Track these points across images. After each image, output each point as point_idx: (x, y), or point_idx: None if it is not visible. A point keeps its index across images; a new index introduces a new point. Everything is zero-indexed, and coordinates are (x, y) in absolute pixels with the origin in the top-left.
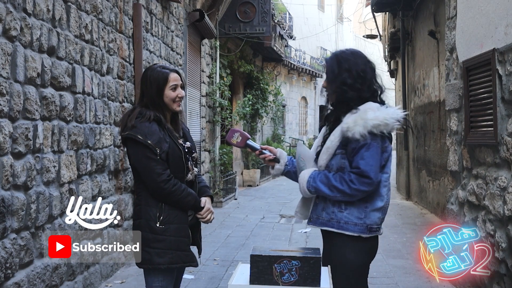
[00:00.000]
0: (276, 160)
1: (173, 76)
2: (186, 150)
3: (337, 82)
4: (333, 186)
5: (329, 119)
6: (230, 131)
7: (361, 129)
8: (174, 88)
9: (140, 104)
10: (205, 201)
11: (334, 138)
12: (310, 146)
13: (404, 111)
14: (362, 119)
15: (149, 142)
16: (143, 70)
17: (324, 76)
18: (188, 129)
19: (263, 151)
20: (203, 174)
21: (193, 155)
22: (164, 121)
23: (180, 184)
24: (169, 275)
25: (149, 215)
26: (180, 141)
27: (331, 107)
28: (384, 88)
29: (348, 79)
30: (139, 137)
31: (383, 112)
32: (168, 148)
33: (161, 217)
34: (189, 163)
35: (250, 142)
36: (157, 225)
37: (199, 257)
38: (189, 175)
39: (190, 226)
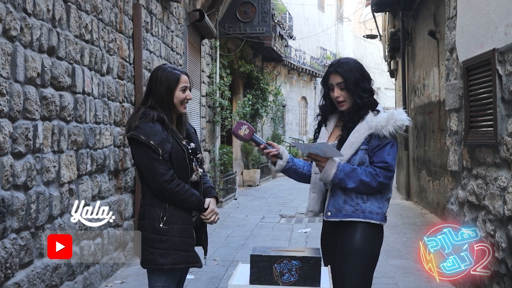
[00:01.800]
0: (279, 156)
1: (184, 77)
2: (190, 151)
3: (358, 90)
4: (358, 179)
5: (349, 119)
6: (237, 123)
7: (391, 128)
8: (184, 89)
9: (144, 104)
10: (209, 202)
11: (359, 135)
12: None
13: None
14: (393, 119)
15: (151, 142)
16: (143, 70)
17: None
18: (195, 130)
19: (267, 146)
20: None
21: (197, 156)
22: (168, 121)
23: (184, 184)
24: (172, 275)
25: (153, 216)
26: (184, 142)
27: (349, 110)
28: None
29: (367, 85)
30: (142, 137)
31: (402, 114)
32: (171, 149)
33: (165, 218)
34: (194, 163)
35: (255, 136)
36: (161, 225)
37: (205, 257)
38: (194, 175)
39: (195, 227)
